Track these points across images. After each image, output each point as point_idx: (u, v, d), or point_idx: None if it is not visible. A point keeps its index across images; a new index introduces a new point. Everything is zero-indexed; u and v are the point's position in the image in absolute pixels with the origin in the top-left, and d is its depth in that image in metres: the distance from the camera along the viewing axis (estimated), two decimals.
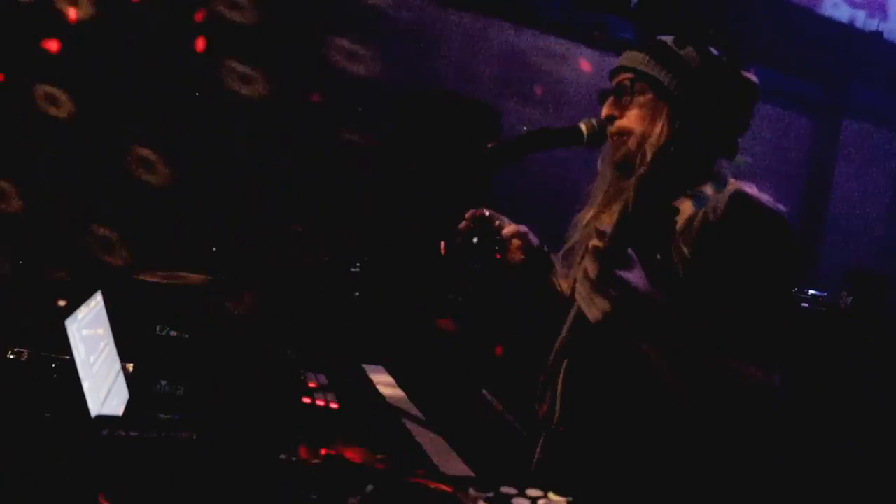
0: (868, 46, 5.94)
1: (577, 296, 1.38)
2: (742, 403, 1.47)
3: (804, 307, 4.41)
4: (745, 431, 1.56)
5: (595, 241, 1.33)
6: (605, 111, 1.71)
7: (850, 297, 4.51)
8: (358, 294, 3.39)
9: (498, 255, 1.88)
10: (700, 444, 1.55)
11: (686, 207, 1.59)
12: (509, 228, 1.87)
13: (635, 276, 1.34)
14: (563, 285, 1.93)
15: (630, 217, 1.27)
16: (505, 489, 1.06)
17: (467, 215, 1.86)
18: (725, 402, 1.47)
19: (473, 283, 1.92)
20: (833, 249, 5.74)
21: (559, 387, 1.70)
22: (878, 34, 6.11)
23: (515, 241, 1.88)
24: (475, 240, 1.84)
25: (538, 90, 5.22)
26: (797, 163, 6.02)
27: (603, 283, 1.30)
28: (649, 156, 1.63)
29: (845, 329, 4.28)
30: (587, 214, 1.84)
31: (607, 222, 1.72)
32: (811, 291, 4.59)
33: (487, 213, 1.86)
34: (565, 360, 1.70)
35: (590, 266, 1.31)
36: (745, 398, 1.47)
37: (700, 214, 1.56)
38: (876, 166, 6.02)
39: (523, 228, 1.89)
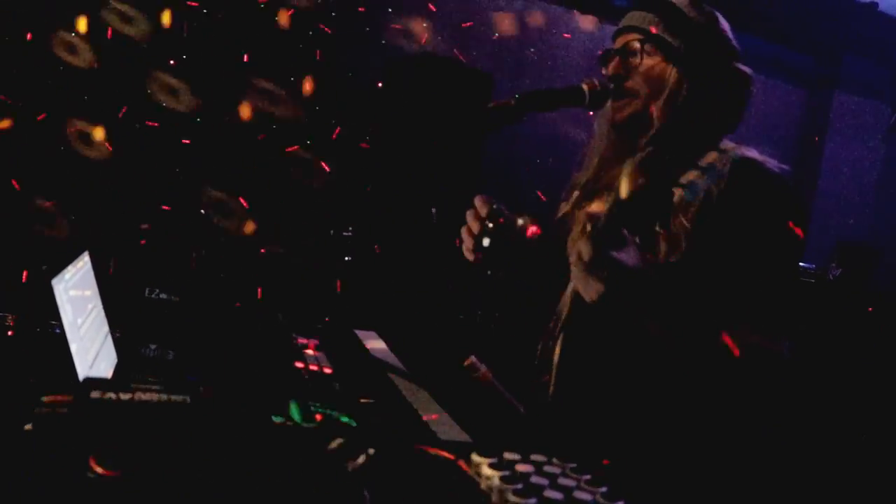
0: (862, 18, 5.90)
1: (572, 276, 1.38)
2: (748, 372, 1.45)
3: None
4: (752, 400, 1.55)
5: (588, 226, 1.31)
6: (610, 71, 1.67)
7: (840, 269, 4.51)
8: (349, 259, 3.36)
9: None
10: (706, 416, 1.54)
11: (688, 175, 1.57)
12: (531, 228, 1.72)
13: (629, 256, 1.33)
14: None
15: (622, 202, 1.25)
16: (508, 455, 1.04)
17: (478, 215, 1.65)
18: (731, 372, 1.45)
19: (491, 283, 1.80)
20: (823, 221, 5.74)
21: (555, 359, 1.67)
22: (872, 6, 6.07)
23: (532, 232, 1.78)
24: (486, 242, 1.63)
25: (532, 56, 5.16)
26: (788, 134, 6.01)
27: (596, 266, 1.30)
28: (655, 120, 1.60)
29: (834, 301, 4.29)
30: (583, 177, 1.80)
31: (600, 206, 1.69)
32: (800, 263, 4.59)
33: (495, 207, 1.64)
34: (562, 334, 1.68)
35: (583, 249, 1.30)
36: (751, 367, 1.45)
37: (702, 183, 1.54)
38: (867, 139, 6.01)
39: (534, 220, 1.81)
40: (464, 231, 1.67)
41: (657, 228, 1.52)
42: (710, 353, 1.42)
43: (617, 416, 1.56)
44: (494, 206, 1.64)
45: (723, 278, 1.46)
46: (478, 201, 1.66)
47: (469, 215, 1.66)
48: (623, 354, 1.53)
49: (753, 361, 1.45)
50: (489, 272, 1.76)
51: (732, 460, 1.58)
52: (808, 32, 5.67)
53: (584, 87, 1.67)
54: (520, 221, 1.67)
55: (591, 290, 1.34)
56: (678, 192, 1.55)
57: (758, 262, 1.47)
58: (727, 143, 1.62)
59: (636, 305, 1.38)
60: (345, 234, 2.30)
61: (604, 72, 1.69)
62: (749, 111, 1.67)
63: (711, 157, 1.58)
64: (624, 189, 1.23)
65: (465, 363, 1.86)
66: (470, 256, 1.68)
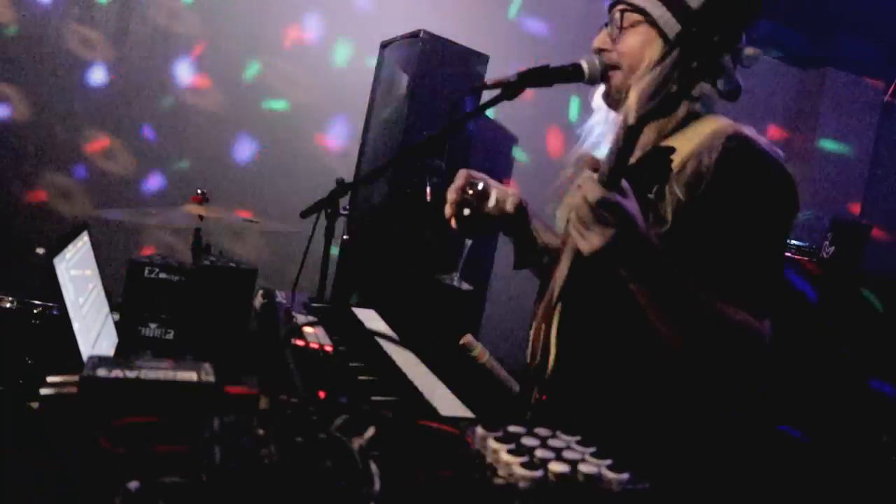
0: None
1: (571, 228, 1.33)
2: (730, 348, 1.46)
3: (787, 256, 4.43)
4: (733, 376, 1.55)
5: (592, 172, 1.29)
6: (594, 44, 1.68)
7: (833, 247, 4.52)
8: (346, 237, 3.36)
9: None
10: (691, 389, 1.54)
11: (681, 146, 1.56)
12: (510, 202, 1.80)
13: (632, 207, 1.29)
14: (545, 236, 1.90)
15: (622, 152, 1.22)
16: (513, 428, 1.04)
17: (457, 186, 1.78)
18: (714, 347, 1.45)
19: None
20: (816, 199, 5.75)
21: (553, 331, 1.67)
22: None
23: (511, 207, 1.83)
24: (466, 211, 1.77)
25: (526, 35, 5.13)
26: (782, 112, 6.01)
27: (603, 207, 1.25)
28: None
29: (827, 278, 4.30)
30: (581, 150, 1.81)
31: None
32: (794, 241, 4.60)
33: (479, 182, 1.79)
34: (559, 305, 1.68)
35: (590, 191, 1.25)
36: (734, 343, 1.45)
37: (694, 157, 1.53)
38: (860, 116, 6.00)
39: (517, 194, 1.83)
40: (448, 203, 1.79)
41: (650, 196, 1.52)
42: (693, 326, 1.42)
43: (614, 391, 1.57)
44: (473, 179, 1.77)
45: (708, 254, 1.46)
46: (460, 174, 1.77)
47: (451, 187, 1.78)
48: (620, 326, 1.53)
49: (738, 340, 1.45)
50: (468, 239, 1.85)
51: (724, 437, 1.59)
52: (802, 10, 5.65)
53: (584, 63, 1.67)
54: (497, 193, 1.78)
55: (593, 237, 1.27)
56: (679, 142, 1.54)
57: (744, 240, 1.47)
58: (723, 119, 1.62)
59: (631, 263, 1.34)
60: (342, 212, 2.30)
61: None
62: (742, 89, 1.67)
63: (705, 130, 1.58)
64: (631, 116, 1.18)
65: (461, 342, 1.86)
66: (452, 224, 1.79)
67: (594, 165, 1.26)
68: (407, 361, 1.61)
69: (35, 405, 1.01)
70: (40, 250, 1.37)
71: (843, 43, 5.95)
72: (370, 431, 0.96)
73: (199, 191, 2.31)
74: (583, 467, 0.95)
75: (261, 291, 1.84)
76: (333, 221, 2.25)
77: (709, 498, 1.56)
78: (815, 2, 5.55)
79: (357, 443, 0.94)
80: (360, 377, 1.45)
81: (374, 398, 1.34)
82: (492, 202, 1.77)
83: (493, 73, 4.11)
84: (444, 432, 1.08)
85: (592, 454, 0.99)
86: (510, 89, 1.62)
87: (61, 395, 0.99)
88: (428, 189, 2.17)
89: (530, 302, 1.84)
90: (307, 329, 1.69)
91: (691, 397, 1.55)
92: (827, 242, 4.54)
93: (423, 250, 3.57)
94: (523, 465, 0.91)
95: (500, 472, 0.93)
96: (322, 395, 1.28)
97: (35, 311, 1.81)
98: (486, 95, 1.66)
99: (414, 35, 4.09)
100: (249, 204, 4.57)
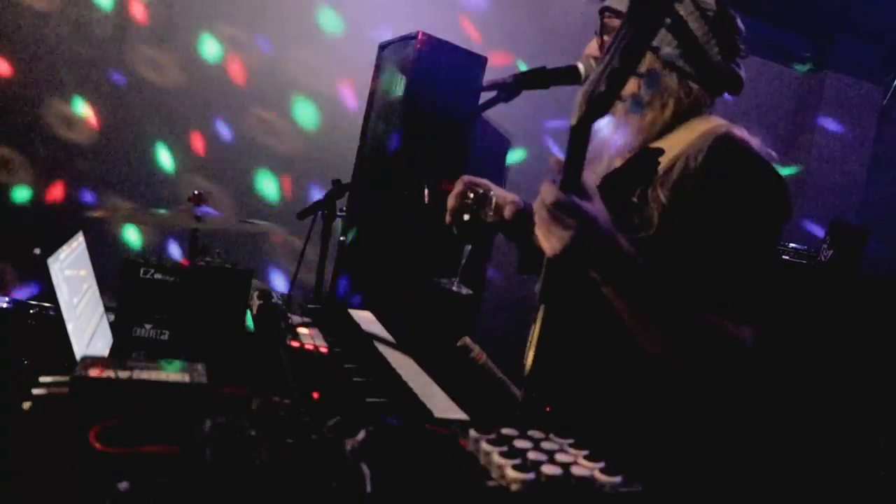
0: None
1: (536, 230, 1.31)
2: (704, 354, 1.42)
3: (785, 260, 4.42)
4: (710, 384, 1.52)
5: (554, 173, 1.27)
6: (585, 51, 1.68)
7: (831, 251, 4.51)
8: (343, 239, 3.36)
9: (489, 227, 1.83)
10: (672, 391, 1.52)
11: (669, 148, 1.55)
12: (509, 209, 1.81)
13: (594, 208, 1.26)
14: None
15: (571, 154, 1.20)
16: (506, 431, 1.04)
17: (456, 192, 1.79)
18: (687, 352, 1.42)
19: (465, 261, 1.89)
20: (814, 202, 5.75)
21: (536, 333, 1.67)
22: None
23: (509, 214, 1.82)
24: (466, 217, 1.78)
25: (525, 34, 5.13)
26: (780, 115, 6.01)
27: (559, 210, 1.23)
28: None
29: (826, 282, 4.30)
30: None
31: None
32: (791, 244, 4.59)
33: (480, 188, 1.79)
34: (542, 307, 1.68)
35: (547, 192, 1.23)
36: (707, 349, 1.42)
37: (682, 158, 1.51)
38: (859, 120, 6.01)
39: (516, 200, 1.83)
40: (448, 209, 1.80)
41: (634, 199, 1.50)
42: (667, 333, 1.40)
43: (590, 394, 1.56)
44: (473, 185, 1.78)
45: (692, 258, 1.43)
46: (460, 180, 1.79)
47: (451, 193, 1.79)
48: (596, 329, 1.51)
49: (711, 346, 1.41)
50: (467, 244, 1.86)
51: (710, 438, 1.58)
52: (801, 13, 5.65)
53: (580, 66, 1.67)
54: (497, 199, 1.78)
55: (554, 239, 1.26)
56: (665, 161, 1.53)
57: (727, 243, 1.44)
58: (715, 120, 1.60)
59: (600, 266, 1.32)
60: (338, 214, 2.30)
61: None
62: (740, 91, 1.66)
63: (695, 131, 1.57)
64: (572, 118, 1.17)
65: (459, 344, 1.86)
66: (453, 230, 1.81)
67: (558, 168, 1.25)
68: (402, 363, 1.61)
69: (28, 405, 1.00)
70: (38, 250, 1.36)
71: (842, 46, 5.95)
72: (362, 433, 0.96)
73: (195, 191, 2.30)
74: (575, 470, 0.94)
75: (257, 292, 1.83)
76: (330, 223, 2.25)
77: (698, 500, 1.55)
78: (813, 5, 5.55)
79: (349, 444, 0.94)
80: (355, 378, 1.44)
81: (368, 400, 1.34)
82: (491, 209, 1.77)
83: (490, 75, 4.13)
84: (438, 434, 1.08)
85: (585, 457, 0.99)
86: (507, 91, 1.62)
87: (53, 396, 0.99)
88: (426, 191, 2.16)
89: (528, 305, 1.84)
90: (302, 330, 1.69)
91: (673, 400, 1.54)
92: (825, 246, 4.53)
93: (413, 254, 3.56)
94: (515, 467, 0.91)
95: (493, 473, 0.93)
96: (316, 395, 1.28)
97: (31, 312, 1.81)
98: (484, 97, 1.67)
99: (412, 37, 4.09)
100: (247, 205, 4.58)
